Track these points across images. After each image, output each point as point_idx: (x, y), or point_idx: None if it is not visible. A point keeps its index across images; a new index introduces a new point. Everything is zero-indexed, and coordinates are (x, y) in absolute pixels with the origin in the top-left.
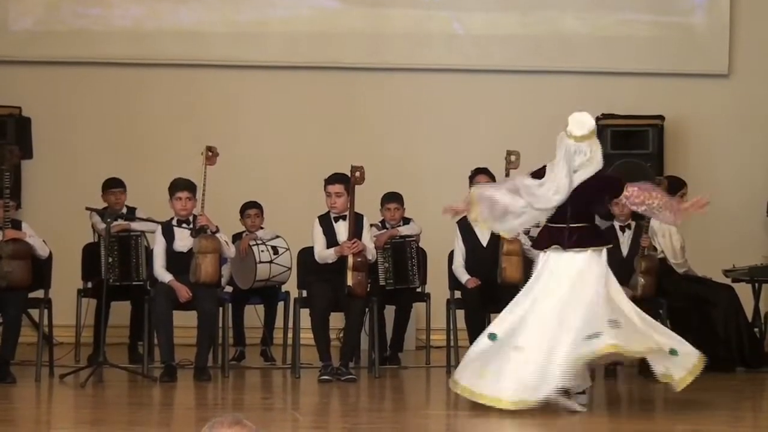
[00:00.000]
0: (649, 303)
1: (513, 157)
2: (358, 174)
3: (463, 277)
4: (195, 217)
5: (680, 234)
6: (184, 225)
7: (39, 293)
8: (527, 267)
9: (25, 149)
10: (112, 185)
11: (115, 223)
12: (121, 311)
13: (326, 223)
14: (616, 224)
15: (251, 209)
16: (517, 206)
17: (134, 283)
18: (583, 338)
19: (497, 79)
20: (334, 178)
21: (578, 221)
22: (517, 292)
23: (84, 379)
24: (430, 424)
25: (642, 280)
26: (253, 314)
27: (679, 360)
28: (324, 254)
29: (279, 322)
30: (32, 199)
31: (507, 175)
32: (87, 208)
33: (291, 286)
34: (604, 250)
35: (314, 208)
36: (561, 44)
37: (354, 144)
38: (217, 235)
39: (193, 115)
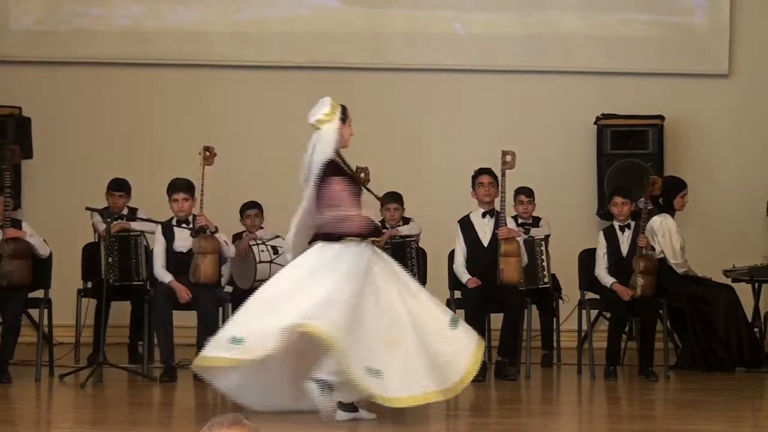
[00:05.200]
0: (649, 303)
1: (508, 157)
2: (363, 174)
3: (464, 276)
4: (195, 217)
5: (680, 234)
6: (183, 225)
7: (39, 293)
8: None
9: (25, 149)
10: (114, 188)
11: (114, 223)
12: (121, 311)
13: None
14: (616, 224)
15: (251, 209)
16: None
17: (134, 283)
18: None
19: (497, 79)
20: None
21: None
22: (517, 292)
23: (84, 379)
24: (430, 424)
25: (641, 279)
26: None
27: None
28: None
29: None
30: (32, 199)
31: (503, 175)
32: (87, 208)
33: None
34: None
35: None
36: (561, 44)
37: (354, 144)
38: (216, 235)
39: (193, 115)
